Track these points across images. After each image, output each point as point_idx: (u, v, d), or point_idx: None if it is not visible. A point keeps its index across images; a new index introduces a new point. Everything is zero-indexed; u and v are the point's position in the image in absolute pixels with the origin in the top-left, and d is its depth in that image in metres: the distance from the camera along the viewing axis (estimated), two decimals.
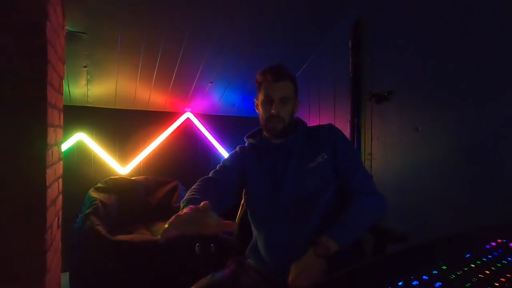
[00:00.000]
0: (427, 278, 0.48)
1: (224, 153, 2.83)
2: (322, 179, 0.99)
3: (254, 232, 1.06)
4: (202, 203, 0.68)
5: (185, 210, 0.70)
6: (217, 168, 1.07)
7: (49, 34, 1.07)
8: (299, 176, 0.99)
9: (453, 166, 1.45)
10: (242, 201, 1.18)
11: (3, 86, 1.00)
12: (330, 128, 1.06)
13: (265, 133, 1.10)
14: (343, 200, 1.00)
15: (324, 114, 2.31)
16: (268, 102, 1.01)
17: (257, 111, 1.10)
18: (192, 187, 0.96)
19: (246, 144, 1.15)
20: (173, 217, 0.66)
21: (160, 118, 2.66)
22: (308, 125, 1.11)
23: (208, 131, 2.83)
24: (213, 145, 2.85)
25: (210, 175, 1.03)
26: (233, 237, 1.20)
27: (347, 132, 2.02)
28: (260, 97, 1.04)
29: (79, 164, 2.32)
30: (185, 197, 0.90)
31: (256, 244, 1.03)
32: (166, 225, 0.65)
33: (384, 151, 1.82)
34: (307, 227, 0.94)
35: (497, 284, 0.47)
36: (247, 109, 2.87)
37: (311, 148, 1.03)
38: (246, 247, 1.08)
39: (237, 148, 1.14)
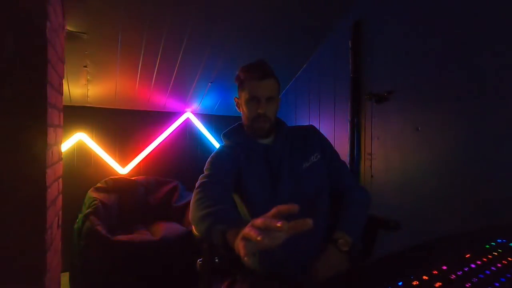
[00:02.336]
0: (427, 278, 0.48)
1: None
2: (319, 178, 1.00)
3: None
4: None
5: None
6: (208, 172, 0.96)
7: (49, 34, 1.07)
8: (296, 177, 0.98)
9: (453, 166, 1.45)
10: None
11: (3, 86, 1.00)
12: (314, 128, 1.10)
13: (248, 132, 1.06)
14: (334, 197, 1.03)
15: (324, 114, 2.31)
16: (253, 101, 0.98)
17: (238, 110, 1.07)
18: (204, 196, 0.85)
19: (225, 143, 1.09)
20: (241, 242, 0.55)
21: (160, 118, 2.66)
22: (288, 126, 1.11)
23: (208, 131, 2.83)
24: (213, 145, 2.85)
25: (206, 179, 0.92)
26: None
27: (347, 132, 2.02)
28: (244, 95, 1.01)
29: (79, 164, 2.32)
30: (208, 210, 0.77)
31: (267, 251, 0.98)
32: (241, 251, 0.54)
33: (384, 151, 1.81)
34: (315, 226, 0.94)
35: (497, 284, 0.47)
36: None
37: (302, 148, 1.03)
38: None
39: (223, 148, 1.06)
